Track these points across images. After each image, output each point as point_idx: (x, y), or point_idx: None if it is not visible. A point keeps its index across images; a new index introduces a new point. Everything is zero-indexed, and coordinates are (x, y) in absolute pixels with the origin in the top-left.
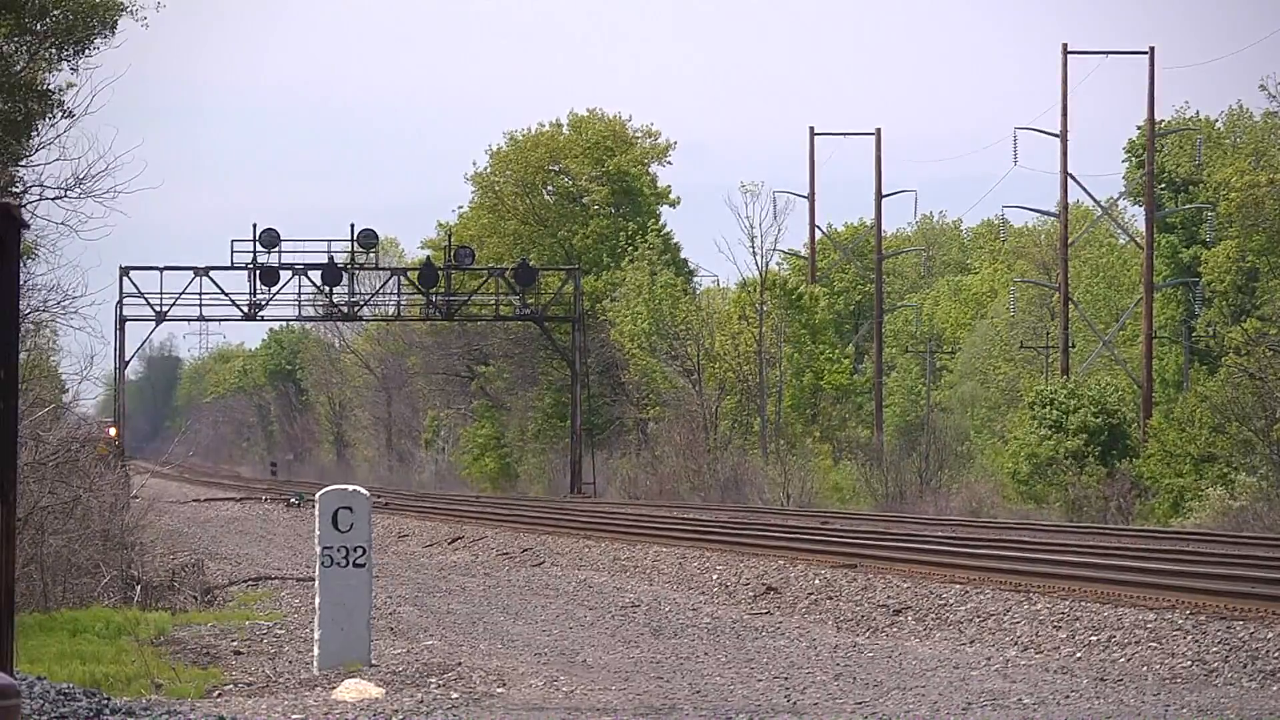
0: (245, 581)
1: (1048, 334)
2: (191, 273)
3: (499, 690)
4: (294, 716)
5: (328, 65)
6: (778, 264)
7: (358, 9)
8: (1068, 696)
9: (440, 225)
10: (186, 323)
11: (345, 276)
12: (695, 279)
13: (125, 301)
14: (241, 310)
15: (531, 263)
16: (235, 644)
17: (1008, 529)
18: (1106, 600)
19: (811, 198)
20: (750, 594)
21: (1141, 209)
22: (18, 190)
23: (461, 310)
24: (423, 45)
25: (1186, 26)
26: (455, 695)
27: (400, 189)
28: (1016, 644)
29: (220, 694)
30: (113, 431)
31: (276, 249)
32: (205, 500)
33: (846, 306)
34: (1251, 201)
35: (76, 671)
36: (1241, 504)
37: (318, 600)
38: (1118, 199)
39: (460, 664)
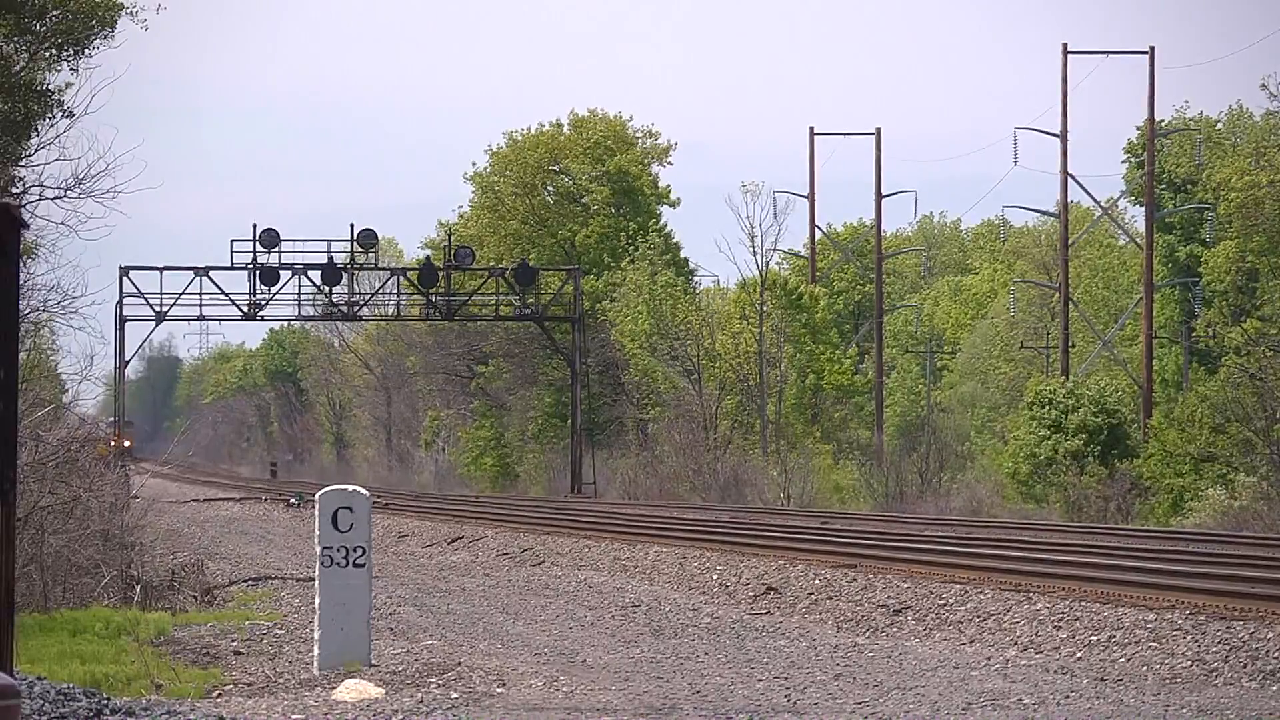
0: (245, 581)
1: (1048, 334)
2: (191, 273)
3: (499, 690)
4: (294, 716)
5: (328, 65)
6: (778, 264)
7: (358, 9)
8: (1068, 696)
9: (440, 225)
10: (186, 323)
11: (345, 276)
12: (695, 279)
13: (125, 301)
14: (241, 310)
15: (531, 263)
16: (235, 644)
17: (1008, 529)
18: (1106, 600)
19: (811, 198)
20: (750, 594)
21: (1141, 209)
22: (18, 190)
23: (461, 310)
24: (423, 45)
25: (1186, 26)
26: (455, 695)
27: (400, 189)
28: (1016, 644)
29: (220, 694)
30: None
31: (276, 249)
32: (205, 500)
33: (846, 306)
34: (1251, 201)
35: (76, 671)
36: (1241, 504)
37: (318, 600)
38: (1118, 199)
39: (460, 664)
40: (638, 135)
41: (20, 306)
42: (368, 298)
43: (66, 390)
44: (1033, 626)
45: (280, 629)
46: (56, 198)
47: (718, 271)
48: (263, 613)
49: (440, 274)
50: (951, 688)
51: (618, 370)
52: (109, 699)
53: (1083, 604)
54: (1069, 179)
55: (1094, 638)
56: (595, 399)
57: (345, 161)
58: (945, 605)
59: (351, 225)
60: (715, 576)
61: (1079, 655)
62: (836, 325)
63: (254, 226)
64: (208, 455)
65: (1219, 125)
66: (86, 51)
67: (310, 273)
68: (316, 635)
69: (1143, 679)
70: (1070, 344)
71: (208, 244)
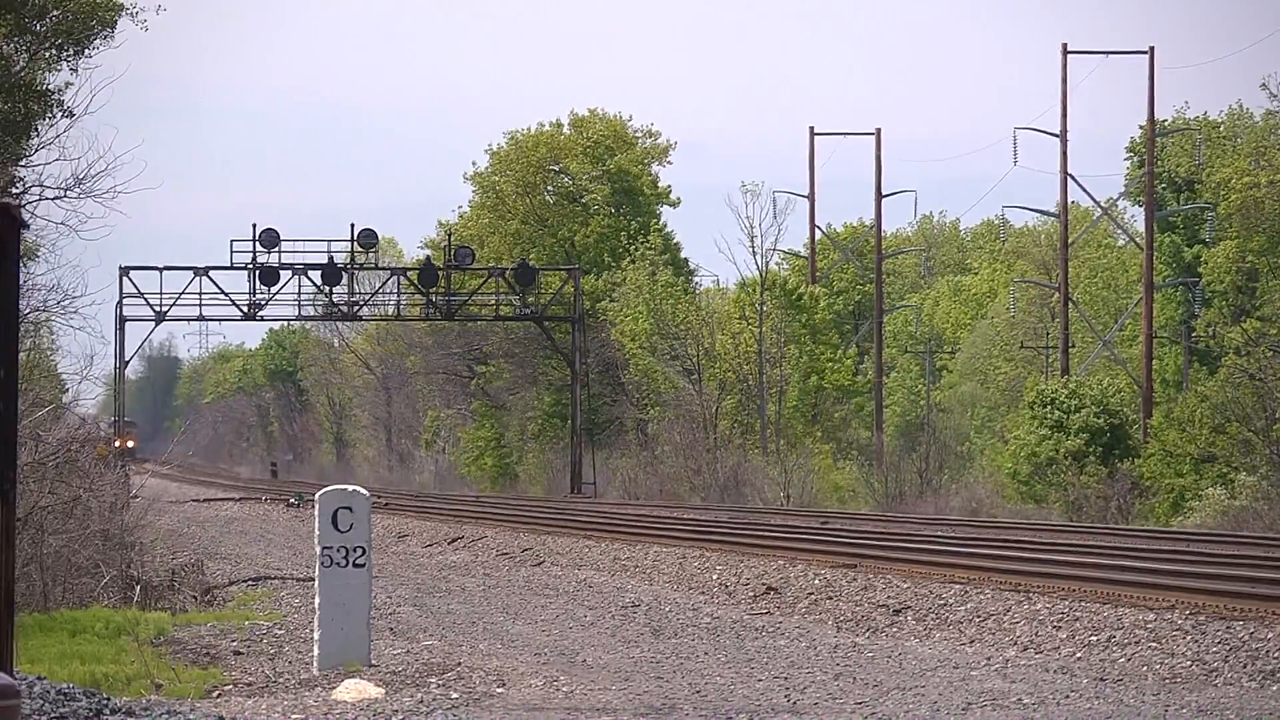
0: (245, 581)
1: (1048, 334)
2: (191, 273)
3: (499, 690)
4: (294, 716)
5: (328, 65)
6: (778, 264)
7: (358, 9)
8: (1068, 696)
9: (441, 225)
10: (186, 323)
11: (345, 276)
12: (695, 279)
13: (125, 301)
14: (241, 310)
15: (532, 262)
16: (235, 644)
17: (1008, 529)
18: (1106, 600)
19: (811, 198)
20: (750, 594)
21: (1141, 209)
22: (18, 190)
23: (461, 310)
24: (423, 45)
25: (1186, 26)
26: (455, 695)
27: (400, 189)
28: (1016, 644)
29: (220, 694)
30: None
31: (276, 249)
32: (205, 500)
33: (846, 306)
34: (1251, 201)
35: (76, 671)
36: (1241, 504)
37: (317, 600)
38: (1118, 199)
39: (460, 664)
40: (638, 135)
41: (20, 306)
42: (368, 298)
43: (66, 390)
44: (1033, 626)
45: (280, 629)
46: (56, 198)
47: (718, 271)
48: (263, 613)
49: (440, 274)
50: (951, 688)
51: (618, 370)
52: (109, 699)
53: (1083, 604)
54: (1069, 179)
55: (1094, 638)
56: (595, 399)
57: (345, 161)
58: (945, 605)
59: (351, 225)
60: (715, 576)
61: (1079, 655)
62: (836, 325)
63: (254, 226)
64: (208, 455)
65: (1220, 126)
66: (86, 51)
67: (310, 273)
68: (316, 635)
69: (1143, 679)
70: (1070, 344)
71: (208, 244)
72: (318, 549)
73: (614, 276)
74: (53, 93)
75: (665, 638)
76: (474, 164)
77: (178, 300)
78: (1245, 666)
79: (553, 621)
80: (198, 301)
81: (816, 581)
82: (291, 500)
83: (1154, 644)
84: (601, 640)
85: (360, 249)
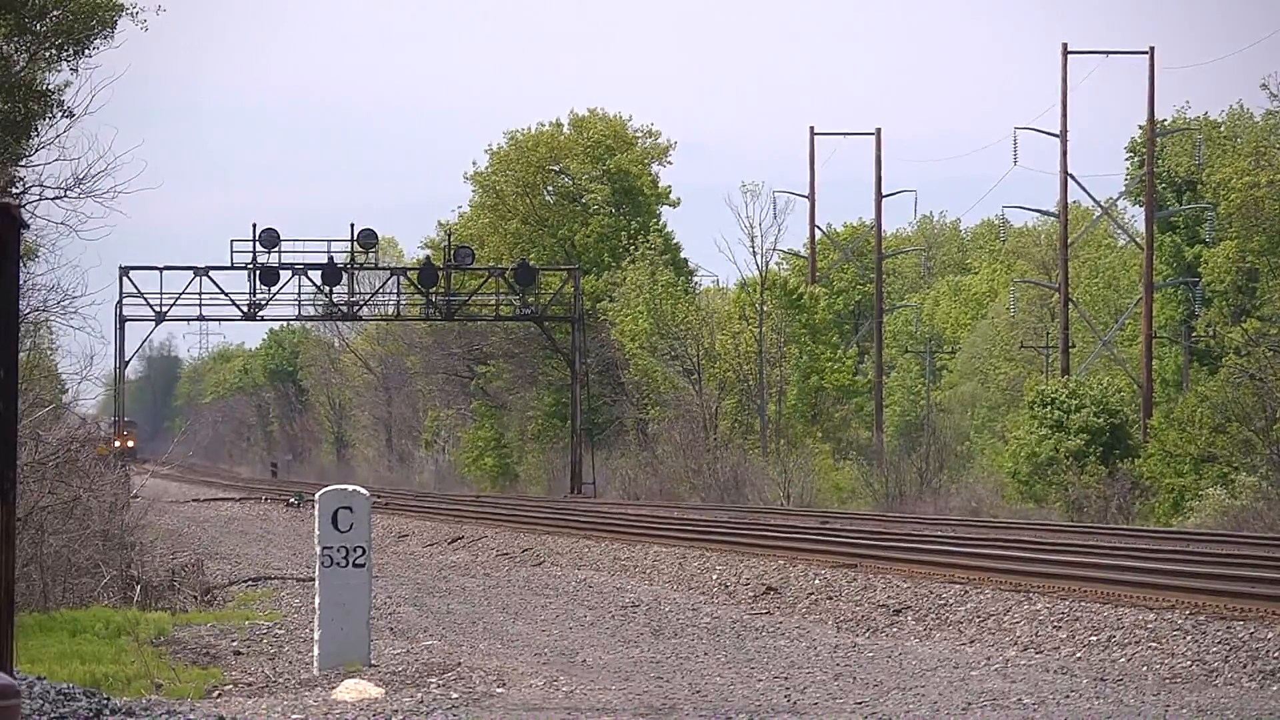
0: (245, 581)
1: (1048, 334)
2: (191, 273)
3: (499, 690)
4: (294, 716)
5: (328, 65)
6: (778, 264)
7: (358, 9)
8: (1068, 696)
9: (441, 225)
10: (186, 323)
11: (345, 276)
12: (695, 279)
13: (125, 301)
14: (241, 310)
15: (532, 262)
16: (235, 644)
17: (1008, 529)
18: (1106, 600)
19: (811, 198)
20: (750, 594)
21: (1141, 209)
22: (18, 190)
23: (461, 310)
24: (423, 45)
25: (1186, 26)
26: (455, 695)
27: (400, 189)
28: (1016, 644)
29: (220, 694)
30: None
31: (276, 249)
32: (205, 500)
33: (846, 306)
34: (1251, 201)
35: (76, 671)
36: (1241, 504)
37: (317, 600)
38: (1117, 199)
39: (460, 664)
40: (638, 135)
41: (20, 306)
42: (368, 298)
43: (66, 390)
44: (1033, 626)
45: (280, 629)
46: (56, 198)
47: (718, 271)
48: (263, 613)
49: (440, 274)
50: (951, 688)
51: (618, 370)
52: (109, 699)
53: (1083, 604)
54: (1069, 179)
55: (1094, 638)
56: (595, 399)
57: (345, 161)
58: (945, 605)
59: (351, 225)
60: (715, 576)
61: (1079, 655)
62: (836, 325)
63: (254, 226)
64: (208, 455)
65: (1220, 126)
66: (86, 51)
67: (310, 273)
68: (316, 635)
69: (1143, 679)
70: (1070, 344)
71: (208, 244)
72: (318, 549)
73: (614, 276)
74: (53, 93)
75: (665, 638)
76: (474, 164)
77: (178, 300)
78: (1245, 666)
79: (553, 621)
80: (198, 301)
81: (816, 581)
82: (291, 500)
83: (1154, 644)
84: (601, 640)
85: (360, 249)
